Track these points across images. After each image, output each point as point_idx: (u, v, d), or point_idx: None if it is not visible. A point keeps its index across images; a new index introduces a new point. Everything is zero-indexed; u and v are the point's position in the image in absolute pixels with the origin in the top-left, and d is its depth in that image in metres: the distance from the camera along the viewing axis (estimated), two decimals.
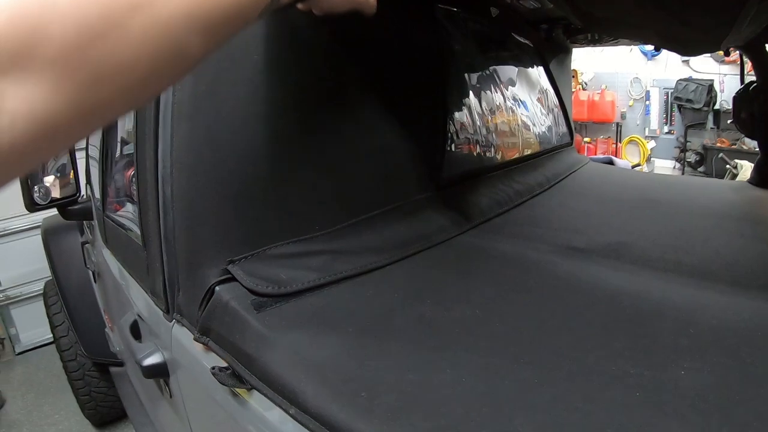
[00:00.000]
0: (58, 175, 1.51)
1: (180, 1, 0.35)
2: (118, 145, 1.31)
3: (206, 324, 0.62)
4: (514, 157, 1.22)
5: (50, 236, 2.00)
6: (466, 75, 1.07)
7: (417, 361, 0.51)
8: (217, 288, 0.61)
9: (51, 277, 2.06)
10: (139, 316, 0.93)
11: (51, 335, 2.33)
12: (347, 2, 0.57)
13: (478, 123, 1.06)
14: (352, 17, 0.75)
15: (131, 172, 1.11)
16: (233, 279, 0.61)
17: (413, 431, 0.42)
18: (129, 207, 1.01)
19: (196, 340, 0.63)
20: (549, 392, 0.46)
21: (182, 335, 0.70)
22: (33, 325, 3.03)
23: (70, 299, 1.90)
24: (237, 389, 0.55)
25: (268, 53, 0.65)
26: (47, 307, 2.14)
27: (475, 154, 1.04)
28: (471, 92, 1.06)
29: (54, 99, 0.30)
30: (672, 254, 0.80)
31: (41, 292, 2.27)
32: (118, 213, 1.09)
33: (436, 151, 0.89)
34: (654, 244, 0.84)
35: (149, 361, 0.80)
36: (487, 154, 1.09)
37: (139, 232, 0.84)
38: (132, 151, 1.16)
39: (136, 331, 0.93)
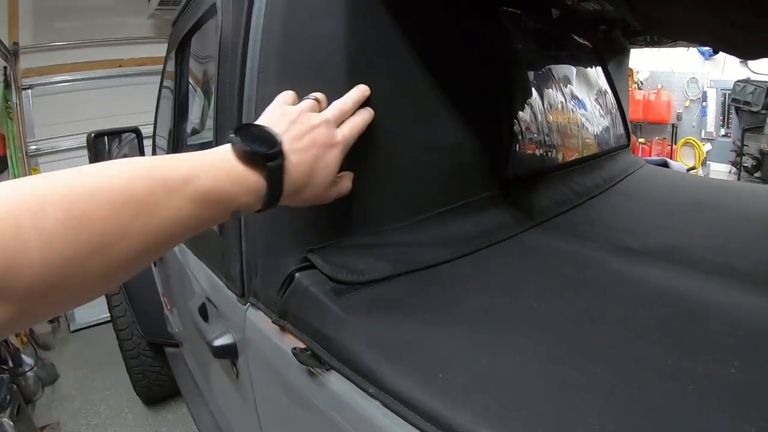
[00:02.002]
0: None
1: (136, 244, 0.42)
2: (189, 133, 1.38)
3: (285, 308, 0.65)
4: (574, 158, 1.21)
5: None
6: (529, 75, 1.08)
7: (486, 346, 0.54)
8: (296, 274, 0.65)
9: None
10: (208, 299, 0.98)
11: (105, 315, 2.44)
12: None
13: (540, 123, 1.06)
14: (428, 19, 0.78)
15: None
16: (312, 267, 0.64)
17: (487, 408, 0.45)
18: None
19: (274, 322, 0.66)
20: (609, 380, 0.48)
21: (257, 318, 0.74)
22: (88, 305, 3.16)
23: (129, 281, 1.99)
24: (315, 369, 0.58)
25: (355, 47, 0.68)
26: None
27: (537, 154, 1.05)
28: (534, 92, 1.06)
29: (11, 318, 0.36)
30: (723, 258, 0.80)
31: None
32: None
33: (501, 150, 0.91)
34: (705, 248, 0.85)
35: (220, 341, 0.85)
36: (549, 154, 1.09)
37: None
38: (205, 140, 1.22)
39: (204, 313, 0.98)
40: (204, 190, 0.46)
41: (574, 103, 1.30)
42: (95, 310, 3.22)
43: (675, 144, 5.00)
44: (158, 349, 2.12)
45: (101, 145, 1.67)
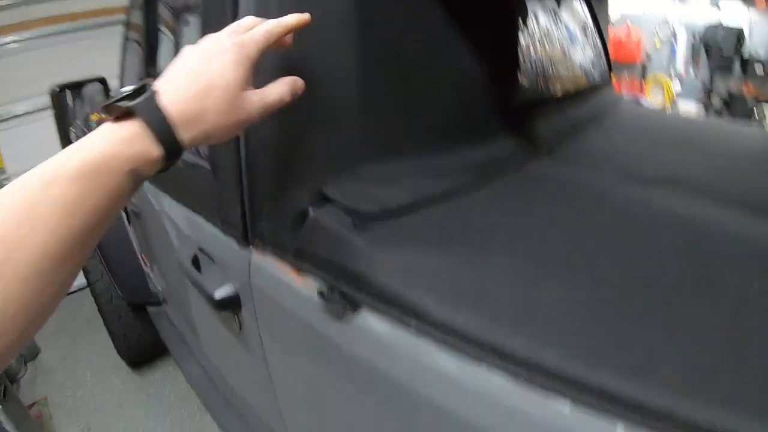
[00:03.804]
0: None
1: (34, 253, 0.38)
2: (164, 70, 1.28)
3: (301, 247, 0.60)
4: (568, 90, 1.20)
5: None
6: (528, 7, 1.03)
7: (523, 273, 0.52)
8: (310, 211, 0.60)
9: None
10: (200, 249, 0.92)
11: (81, 281, 2.35)
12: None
13: (540, 55, 1.03)
14: None
15: None
16: (327, 201, 0.59)
17: (538, 336, 0.43)
18: None
19: (290, 265, 0.62)
20: (649, 302, 0.47)
21: (265, 263, 0.69)
22: None
23: (104, 243, 1.90)
24: (345, 310, 0.54)
25: None
26: None
27: (538, 85, 1.02)
28: (533, 24, 1.02)
29: None
30: (728, 188, 0.81)
31: None
32: None
33: (508, 79, 0.87)
34: (709, 178, 0.86)
35: (221, 293, 0.80)
36: (548, 86, 1.07)
37: (206, 163, 0.82)
38: None
39: (197, 265, 0.93)
40: (78, 165, 0.41)
41: (567, 36, 1.27)
42: None
43: (644, 81, 5.02)
44: (140, 310, 2.06)
45: (64, 101, 1.56)
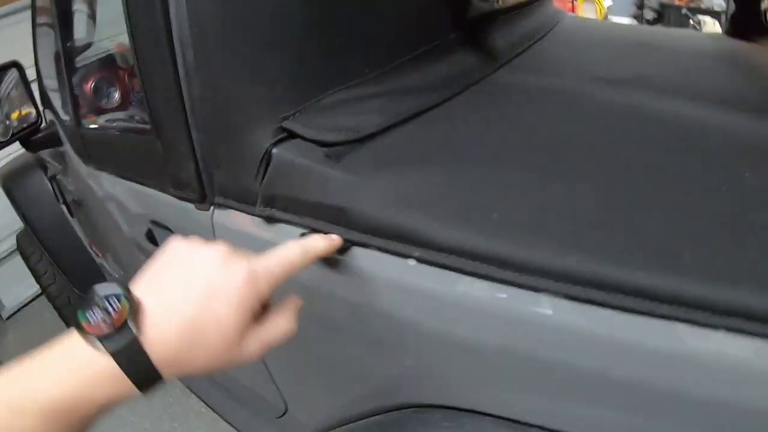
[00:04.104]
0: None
1: None
2: (83, 48, 1.16)
3: (269, 193, 0.54)
4: (511, 3, 1.16)
5: (11, 183, 1.82)
6: None
7: (521, 180, 0.48)
8: (273, 151, 0.53)
9: (22, 228, 1.91)
10: (153, 222, 0.84)
11: (36, 289, 2.21)
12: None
13: None
14: None
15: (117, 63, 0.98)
16: (291, 137, 0.53)
17: (562, 243, 0.40)
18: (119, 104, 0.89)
19: (259, 215, 0.55)
20: (659, 196, 0.46)
21: (229, 219, 0.62)
22: (13, 285, 2.84)
23: (50, 243, 1.77)
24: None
25: None
26: (26, 259, 2.00)
27: None
28: None
29: None
30: (693, 84, 0.81)
31: (14, 248, 2.11)
32: (103, 118, 0.96)
33: None
34: (670, 76, 0.86)
35: None
36: None
37: (146, 123, 0.73)
38: (99, 53, 1.03)
39: (153, 241, 0.85)
40: (43, 402, 0.36)
41: None
42: (22, 287, 2.91)
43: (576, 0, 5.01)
44: None
45: None
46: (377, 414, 0.57)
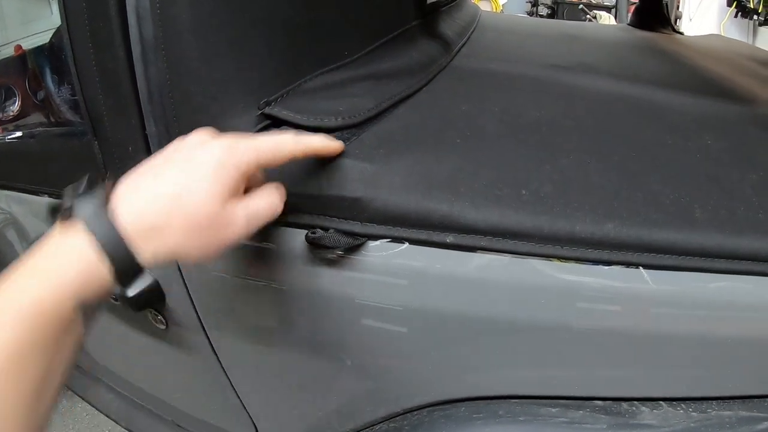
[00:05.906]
0: None
1: None
2: None
3: None
4: None
5: None
6: None
7: (533, 157, 0.48)
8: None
9: None
10: None
11: None
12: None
13: None
14: None
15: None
16: (277, 123, 0.46)
17: (585, 211, 0.41)
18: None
19: None
20: (647, 165, 0.49)
21: None
22: None
23: None
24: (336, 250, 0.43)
25: None
26: None
27: None
28: None
29: None
30: (628, 68, 0.90)
31: None
32: (19, 125, 0.82)
33: None
34: (608, 62, 0.93)
35: (139, 287, 0.63)
36: None
37: (64, 125, 0.65)
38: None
39: None
40: (17, 312, 0.32)
41: None
42: None
43: None
44: None
45: None
46: (388, 419, 0.53)
